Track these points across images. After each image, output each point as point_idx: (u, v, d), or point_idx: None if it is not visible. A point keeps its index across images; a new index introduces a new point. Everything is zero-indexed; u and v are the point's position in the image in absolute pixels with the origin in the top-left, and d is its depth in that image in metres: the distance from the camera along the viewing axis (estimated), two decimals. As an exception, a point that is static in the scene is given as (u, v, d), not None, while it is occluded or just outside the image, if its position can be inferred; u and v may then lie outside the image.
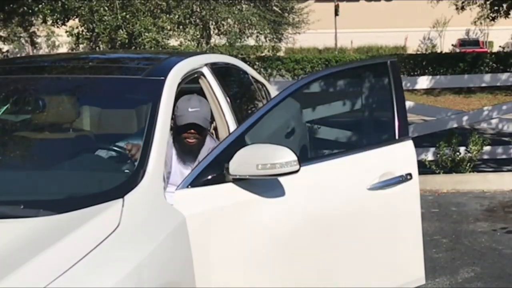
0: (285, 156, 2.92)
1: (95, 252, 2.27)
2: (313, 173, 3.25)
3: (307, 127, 3.92)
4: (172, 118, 3.38)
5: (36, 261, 2.16)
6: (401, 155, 3.46)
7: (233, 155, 2.98)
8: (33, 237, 2.34)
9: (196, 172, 3.04)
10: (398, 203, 3.40)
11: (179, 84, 3.37)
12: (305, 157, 3.57)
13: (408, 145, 3.46)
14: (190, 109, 3.70)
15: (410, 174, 3.38)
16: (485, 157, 8.79)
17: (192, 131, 3.71)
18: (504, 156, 8.84)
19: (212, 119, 3.86)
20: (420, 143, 8.82)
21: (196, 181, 3.00)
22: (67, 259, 2.19)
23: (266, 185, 3.07)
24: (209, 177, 3.02)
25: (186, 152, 3.77)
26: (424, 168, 8.18)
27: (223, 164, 3.00)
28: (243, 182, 3.01)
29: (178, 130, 3.75)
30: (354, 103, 4.11)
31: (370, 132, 3.93)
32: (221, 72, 4.04)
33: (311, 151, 3.80)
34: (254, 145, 3.07)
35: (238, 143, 3.09)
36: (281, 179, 3.04)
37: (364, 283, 3.39)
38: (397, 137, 3.47)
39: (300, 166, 2.94)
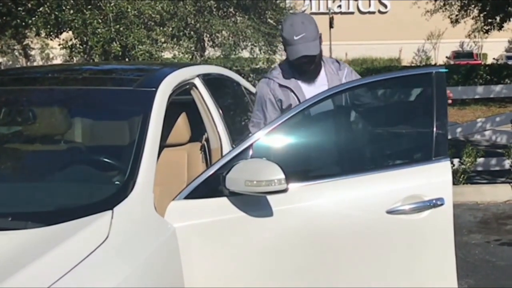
0: (271, 174, 2.77)
1: (83, 264, 2.25)
2: (323, 191, 3.06)
3: (327, 140, 3.58)
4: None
5: (23, 273, 2.13)
6: (434, 178, 3.10)
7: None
8: (20, 249, 2.33)
9: (194, 184, 2.99)
10: (423, 230, 3.06)
11: (171, 95, 3.35)
12: (317, 174, 3.33)
13: (444, 167, 3.10)
14: (295, 37, 3.68)
15: (441, 200, 3.03)
16: (479, 169, 8.77)
17: (305, 59, 3.73)
18: (497, 168, 8.82)
19: (204, 130, 3.84)
20: (414, 155, 8.80)
21: (193, 194, 2.96)
22: (55, 271, 2.17)
23: (262, 202, 2.94)
24: (208, 189, 2.96)
25: (306, 74, 3.84)
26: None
27: (222, 177, 2.91)
28: (238, 197, 2.91)
29: (290, 57, 3.78)
30: (389, 116, 3.69)
31: (402, 150, 3.55)
32: (214, 83, 4.03)
33: (325, 167, 3.46)
34: (250, 159, 2.99)
35: (243, 156, 3.01)
36: (282, 195, 2.85)
37: None
38: (433, 157, 3.13)
39: (287, 186, 2.78)
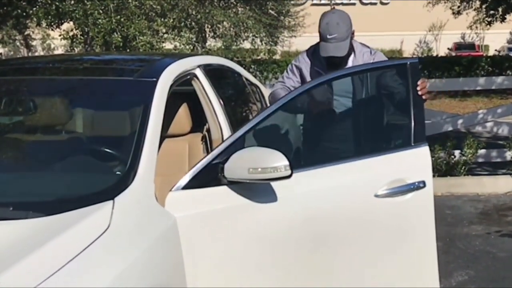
0: (276, 160, 2.85)
1: (85, 254, 2.26)
2: (315, 178, 3.16)
3: (314, 129, 3.81)
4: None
5: (25, 262, 2.14)
6: (415, 162, 3.30)
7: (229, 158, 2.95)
8: (22, 239, 2.33)
9: (191, 174, 3.00)
10: (408, 212, 3.25)
11: (171, 85, 3.35)
12: (308, 161, 3.46)
13: (423, 151, 3.30)
14: (328, 36, 3.96)
15: (423, 182, 3.22)
16: (480, 160, 8.77)
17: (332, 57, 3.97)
18: (499, 160, 8.82)
19: (205, 121, 3.84)
20: (415, 146, 8.80)
21: (191, 183, 2.97)
22: (56, 260, 2.17)
23: (262, 190, 3.01)
24: (205, 179, 2.99)
25: (331, 64, 4.04)
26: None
27: (219, 167, 2.96)
28: (238, 185, 2.96)
29: (321, 52, 4.04)
30: (368, 105, 3.94)
31: (383, 137, 3.72)
32: (215, 73, 4.02)
33: (315, 154, 3.64)
34: (249, 148, 3.04)
35: (238, 145, 3.05)
36: (278, 183, 2.96)
37: None
38: (412, 142, 3.31)
39: (292, 172, 2.86)
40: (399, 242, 3.27)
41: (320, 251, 3.16)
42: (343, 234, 3.18)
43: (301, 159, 3.48)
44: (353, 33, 4.09)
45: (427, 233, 3.26)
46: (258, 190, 3.00)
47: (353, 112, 3.96)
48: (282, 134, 3.48)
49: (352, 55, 4.15)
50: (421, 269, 3.33)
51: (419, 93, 3.40)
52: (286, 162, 2.85)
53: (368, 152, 3.41)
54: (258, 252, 3.04)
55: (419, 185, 3.21)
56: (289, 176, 2.87)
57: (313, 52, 4.25)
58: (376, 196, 3.18)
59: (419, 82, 3.41)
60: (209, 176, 2.98)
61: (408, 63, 3.47)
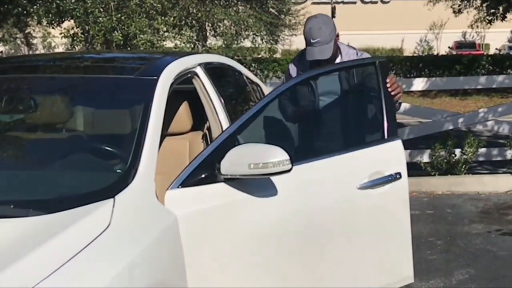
0: (277, 155, 2.92)
1: (85, 252, 2.26)
2: (304, 172, 3.25)
3: (296, 126, 3.97)
4: None
5: (25, 260, 2.14)
6: (390, 155, 3.52)
7: (225, 155, 2.97)
8: (22, 237, 2.33)
9: (187, 172, 3.02)
10: (387, 202, 3.47)
11: (172, 84, 3.35)
12: (295, 156, 3.57)
13: (397, 144, 3.53)
14: (312, 41, 4.07)
15: (399, 174, 3.46)
16: (481, 159, 8.77)
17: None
18: (499, 158, 8.82)
19: (206, 119, 3.84)
20: (416, 145, 8.82)
21: (188, 181, 2.98)
22: (57, 259, 2.17)
23: (257, 185, 3.07)
24: (201, 177, 3.01)
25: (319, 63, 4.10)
26: (419, 170, 8.18)
27: (214, 164, 2.99)
28: (234, 181, 3.01)
29: (307, 56, 4.15)
30: (343, 103, 4.15)
31: (360, 132, 3.96)
32: (215, 72, 4.02)
33: (301, 150, 3.80)
34: (246, 144, 3.07)
35: (229, 142, 3.08)
36: (272, 178, 3.05)
37: (353, 281, 3.43)
38: (386, 137, 3.52)
39: (292, 166, 2.94)
40: (380, 230, 3.48)
41: (312, 243, 3.29)
42: (334, 226, 3.34)
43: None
44: (337, 36, 4.22)
45: (403, 221, 3.51)
46: (253, 185, 3.06)
47: (332, 110, 4.13)
48: (267, 131, 3.58)
49: (339, 57, 4.26)
50: (397, 255, 3.58)
51: (389, 89, 3.61)
52: (287, 157, 2.92)
53: (347, 147, 3.61)
54: (258, 247, 3.08)
55: (396, 176, 3.45)
56: (289, 170, 2.94)
57: (299, 58, 4.39)
58: (359, 188, 3.39)
59: (388, 80, 3.62)
60: (205, 174, 3.00)
61: (377, 62, 3.69)
